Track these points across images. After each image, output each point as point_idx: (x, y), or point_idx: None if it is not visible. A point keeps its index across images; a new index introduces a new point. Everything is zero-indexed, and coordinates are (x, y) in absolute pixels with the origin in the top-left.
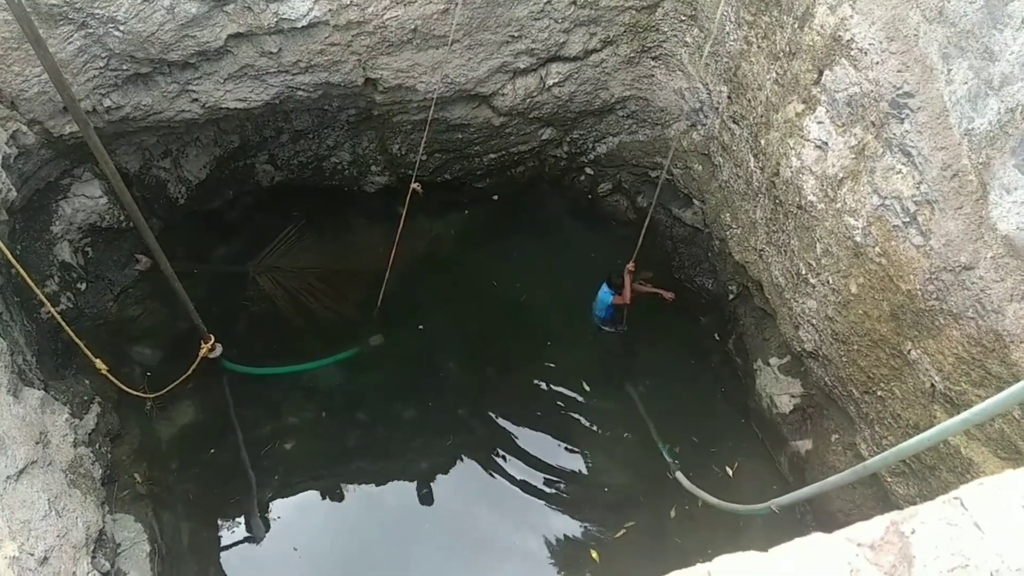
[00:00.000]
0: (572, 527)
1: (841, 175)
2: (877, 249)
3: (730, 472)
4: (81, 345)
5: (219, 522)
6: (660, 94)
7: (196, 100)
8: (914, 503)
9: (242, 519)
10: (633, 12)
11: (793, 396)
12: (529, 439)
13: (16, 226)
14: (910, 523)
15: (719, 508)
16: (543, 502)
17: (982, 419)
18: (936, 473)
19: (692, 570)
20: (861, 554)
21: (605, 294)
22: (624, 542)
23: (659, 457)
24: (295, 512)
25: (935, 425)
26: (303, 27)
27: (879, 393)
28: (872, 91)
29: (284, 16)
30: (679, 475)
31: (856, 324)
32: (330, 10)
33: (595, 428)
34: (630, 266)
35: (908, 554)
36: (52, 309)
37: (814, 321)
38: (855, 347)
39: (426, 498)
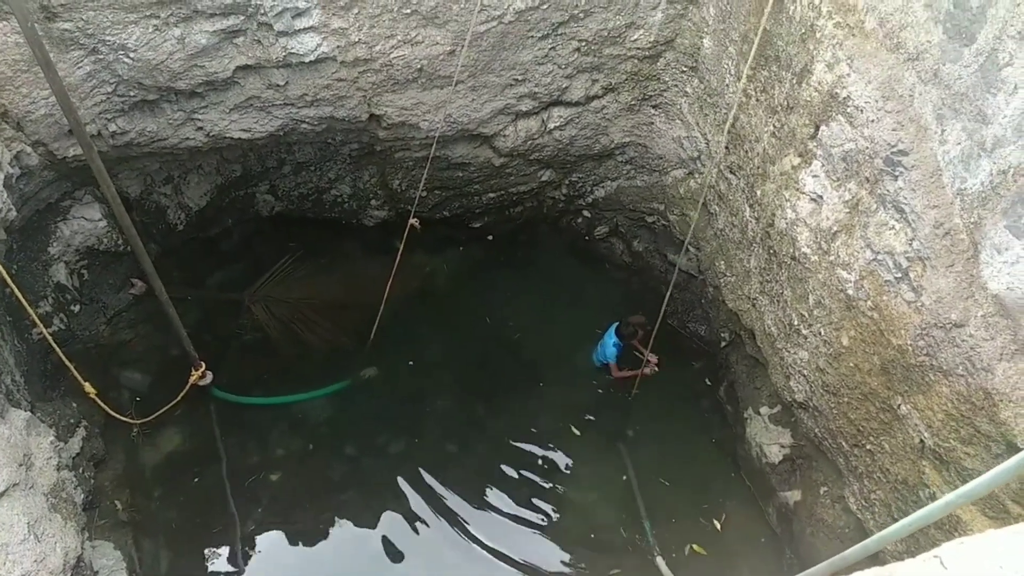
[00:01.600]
0: (557, 570)
1: (835, 229)
2: (869, 303)
3: (718, 525)
4: (71, 368)
5: (199, 553)
6: (659, 142)
7: (201, 129)
8: (901, 559)
9: (223, 550)
10: (635, 61)
11: (783, 446)
12: (516, 478)
13: (13, 246)
14: None
15: None
16: (528, 543)
17: (964, 501)
18: (924, 530)
19: None
20: None
21: (610, 347)
22: None
23: (648, 504)
24: (277, 544)
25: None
26: (311, 62)
27: (868, 447)
28: (867, 148)
29: (293, 51)
30: (659, 561)
31: (847, 377)
32: (338, 47)
33: (584, 470)
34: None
35: None
36: (44, 330)
37: (805, 372)
38: (845, 399)
39: (409, 536)
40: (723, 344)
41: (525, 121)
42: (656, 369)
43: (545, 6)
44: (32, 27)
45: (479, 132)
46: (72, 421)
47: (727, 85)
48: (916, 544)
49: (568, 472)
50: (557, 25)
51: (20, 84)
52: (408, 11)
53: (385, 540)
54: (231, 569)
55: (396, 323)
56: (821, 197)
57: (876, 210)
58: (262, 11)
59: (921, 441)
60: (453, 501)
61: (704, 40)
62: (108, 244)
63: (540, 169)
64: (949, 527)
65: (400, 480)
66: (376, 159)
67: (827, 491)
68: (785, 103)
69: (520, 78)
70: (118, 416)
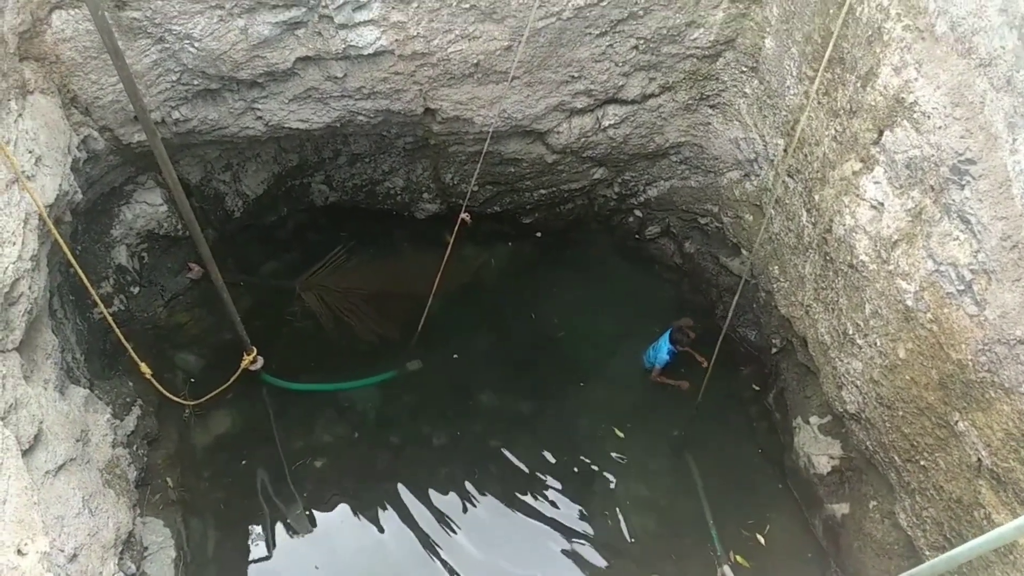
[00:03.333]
0: (595, 572)
1: (896, 237)
2: (929, 315)
3: (762, 540)
4: (129, 348)
5: (245, 534)
6: (715, 142)
7: (260, 118)
8: None
9: (267, 533)
10: (695, 60)
11: (832, 457)
12: (556, 478)
13: (78, 227)
14: None
15: None
16: (567, 543)
17: None
18: None
19: None
20: None
21: (664, 354)
22: None
23: (690, 511)
24: (321, 529)
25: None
26: (369, 55)
27: (922, 463)
28: (933, 155)
29: (352, 43)
30: (727, 570)
31: (902, 390)
32: (397, 40)
33: (626, 473)
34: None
35: None
36: (105, 310)
37: (858, 383)
38: (900, 413)
39: (450, 527)
40: (773, 350)
41: (579, 118)
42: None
43: (604, 3)
44: (102, 15)
45: (533, 128)
46: (128, 400)
47: (788, 87)
48: (970, 566)
49: (610, 474)
50: (616, 22)
51: (90, 71)
52: (467, 6)
53: (427, 529)
54: (274, 552)
55: (443, 316)
56: (882, 204)
57: (940, 220)
58: (324, 3)
59: (978, 460)
60: (494, 496)
61: (766, 40)
62: (168, 228)
63: (593, 167)
64: (1004, 549)
65: (442, 472)
66: (430, 152)
67: (877, 505)
68: (848, 107)
69: (576, 75)
70: (172, 397)
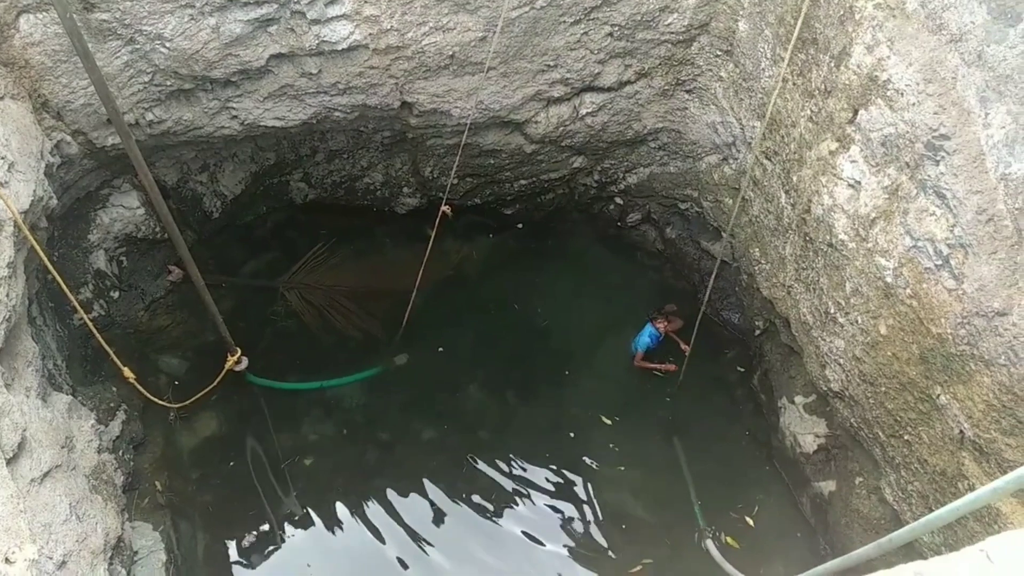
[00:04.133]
0: (587, 560)
1: (873, 215)
2: (908, 291)
3: (751, 521)
4: (111, 353)
5: (235, 535)
6: (693, 127)
7: (236, 117)
8: (938, 551)
9: (257, 534)
10: (669, 45)
11: (817, 436)
12: (546, 467)
13: (55, 233)
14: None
15: None
16: (558, 532)
17: (1014, 487)
18: (962, 521)
19: None
20: None
21: (644, 337)
22: None
23: (681, 495)
24: (311, 528)
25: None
26: (343, 50)
27: (906, 437)
28: (907, 132)
29: (325, 38)
30: (709, 544)
31: (884, 366)
32: (370, 34)
33: (615, 460)
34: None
35: None
36: (85, 316)
37: (841, 361)
38: (882, 389)
39: (440, 521)
40: (757, 332)
41: (557, 107)
42: (672, 368)
43: None
44: (71, 18)
45: (510, 119)
46: (112, 405)
47: (763, 69)
48: (955, 536)
49: (599, 460)
50: (590, 10)
51: (60, 74)
52: None
53: (419, 525)
54: (265, 552)
55: (427, 310)
56: (859, 183)
57: (916, 196)
58: None
59: (960, 432)
60: (485, 488)
61: (739, 23)
62: (146, 232)
63: (572, 156)
64: (989, 519)
65: (432, 466)
66: (408, 147)
67: (863, 481)
68: (823, 87)
69: (552, 64)
70: (156, 400)
